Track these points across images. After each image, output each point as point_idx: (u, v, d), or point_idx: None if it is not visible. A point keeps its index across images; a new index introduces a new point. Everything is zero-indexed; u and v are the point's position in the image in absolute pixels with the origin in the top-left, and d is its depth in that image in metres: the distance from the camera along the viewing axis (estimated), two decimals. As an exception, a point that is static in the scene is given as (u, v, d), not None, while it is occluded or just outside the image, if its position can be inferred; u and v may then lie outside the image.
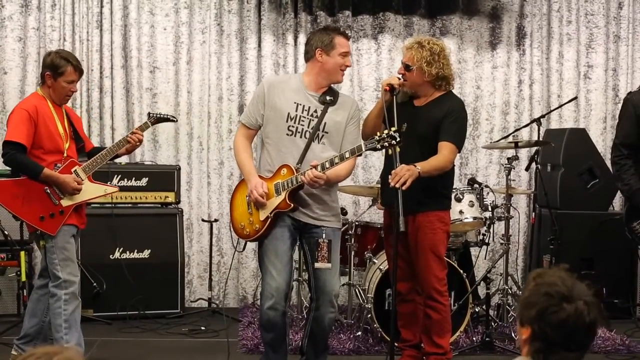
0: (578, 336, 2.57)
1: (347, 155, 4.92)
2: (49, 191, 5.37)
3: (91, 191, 5.59)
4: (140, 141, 5.72)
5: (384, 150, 4.95)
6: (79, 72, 5.57)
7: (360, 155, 5.19)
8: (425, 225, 5.43)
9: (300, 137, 5.07)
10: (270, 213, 5.04)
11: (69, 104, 5.85)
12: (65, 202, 5.42)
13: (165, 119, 6.02)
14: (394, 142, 4.80)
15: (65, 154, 5.47)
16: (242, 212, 5.20)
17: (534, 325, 2.58)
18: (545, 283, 2.60)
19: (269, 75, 7.84)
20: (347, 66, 5.21)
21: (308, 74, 5.21)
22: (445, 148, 5.30)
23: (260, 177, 5.12)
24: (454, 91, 5.63)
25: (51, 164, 5.40)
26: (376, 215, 7.82)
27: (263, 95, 5.17)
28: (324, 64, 5.13)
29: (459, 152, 5.50)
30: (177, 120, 6.54)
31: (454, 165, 5.59)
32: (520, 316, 2.66)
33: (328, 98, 5.14)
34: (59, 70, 5.46)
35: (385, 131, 4.84)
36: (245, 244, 5.39)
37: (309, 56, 5.21)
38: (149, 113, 5.99)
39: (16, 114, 5.43)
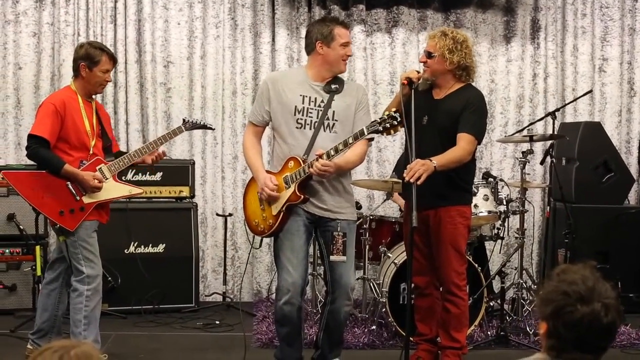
0: (592, 338, 2.55)
1: (350, 140, 4.90)
2: (71, 187, 5.38)
3: (115, 190, 5.58)
4: (162, 157, 5.76)
5: (403, 145, 4.94)
6: (114, 60, 5.63)
7: (370, 140, 5.20)
8: (447, 220, 5.43)
9: (310, 128, 5.05)
10: (282, 207, 5.04)
11: (98, 100, 5.84)
12: (86, 200, 5.42)
13: (202, 126, 6.03)
14: (395, 122, 4.80)
15: (91, 151, 5.47)
16: (255, 209, 5.20)
17: (550, 323, 2.57)
18: (566, 281, 2.58)
19: (271, 73, 7.83)
20: (349, 56, 5.20)
21: (310, 67, 5.20)
22: (462, 139, 5.28)
23: (269, 172, 5.12)
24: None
25: (77, 159, 5.40)
26: (390, 209, 7.82)
27: (267, 91, 5.16)
28: (325, 56, 5.11)
29: (479, 143, 5.46)
30: (214, 129, 6.53)
31: (475, 159, 5.58)
32: (539, 311, 2.65)
33: (333, 86, 5.12)
34: (94, 59, 5.47)
35: (386, 112, 4.84)
36: (261, 240, 5.38)
37: (309, 49, 5.21)
38: (183, 119, 5.98)
39: (44, 107, 5.45)
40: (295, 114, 5.07)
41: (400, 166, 6.12)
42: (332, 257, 5.07)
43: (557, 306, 2.55)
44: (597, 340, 2.56)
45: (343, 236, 5.07)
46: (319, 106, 5.08)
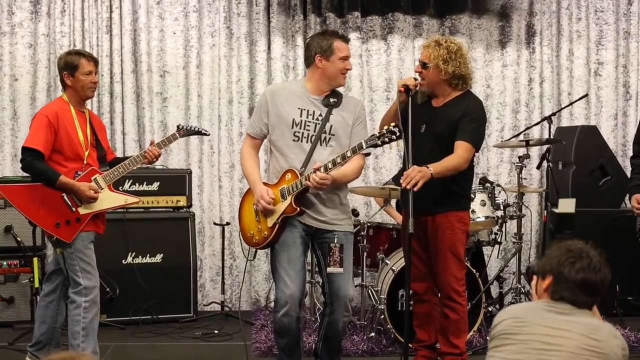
0: (590, 283, 3.15)
1: (348, 154, 4.90)
2: (66, 198, 5.37)
3: (111, 200, 5.56)
4: (157, 157, 5.69)
5: (400, 152, 4.93)
6: (94, 61, 5.58)
7: (368, 154, 5.21)
8: (445, 226, 5.43)
9: (307, 141, 5.05)
10: (278, 219, 5.03)
11: (95, 111, 5.81)
12: (82, 210, 5.41)
13: (196, 132, 6.01)
14: (394, 137, 4.80)
15: (85, 162, 5.46)
16: (250, 220, 5.20)
17: (555, 271, 3.19)
18: (566, 244, 3.23)
19: (270, 85, 7.83)
20: (348, 69, 5.19)
21: (309, 80, 5.18)
22: (460, 147, 5.29)
23: (265, 184, 5.12)
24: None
25: (71, 170, 5.39)
26: (388, 216, 7.82)
27: (266, 104, 5.15)
28: (324, 70, 5.10)
29: (477, 151, 5.47)
30: (209, 134, 6.53)
31: (473, 166, 5.59)
32: (542, 270, 3.26)
33: (332, 100, 5.11)
34: (73, 65, 5.47)
35: (385, 127, 4.83)
36: (256, 251, 5.37)
37: (309, 62, 5.19)
38: (178, 126, 5.95)
39: (37, 119, 5.44)
40: (292, 127, 5.06)
41: (399, 174, 6.12)
42: (329, 269, 5.06)
43: (561, 258, 3.18)
44: (594, 287, 3.16)
45: (340, 248, 5.06)
46: (317, 120, 5.07)
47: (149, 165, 5.98)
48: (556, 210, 7.33)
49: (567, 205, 7.20)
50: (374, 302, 6.68)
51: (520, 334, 3.15)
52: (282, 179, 5.05)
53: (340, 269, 5.05)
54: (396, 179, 6.94)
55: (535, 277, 3.37)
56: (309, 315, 7.07)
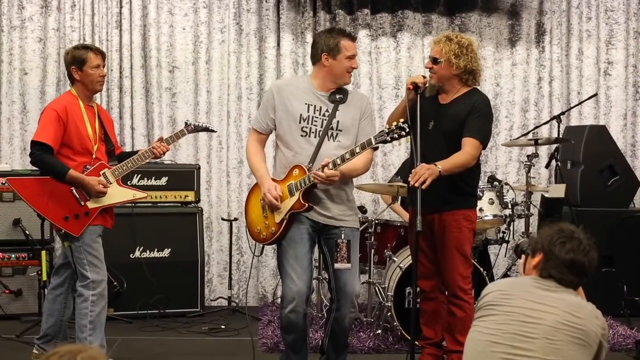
0: (578, 264, 3.29)
1: (357, 150, 4.89)
2: (75, 192, 5.37)
3: (119, 195, 5.57)
4: (165, 153, 5.71)
5: (407, 149, 4.91)
6: (101, 54, 5.59)
7: (375, 149, 5.17)
8: (452, 224, 5.42)
9: (315, 137, 5.04)
10: (286, 215, 5.02)
11: (104, 106, 5.81)
12: (91, 205, 5.41)
13: (204, 129, 6.02)
14: (403, 133, 4.79)
15: (94, 156, 5.47)
16: (258, 216, 5.19)
17: (546, 249, 3.33)
18: (559, 225, 3.39)
19: (276, 80, 7.84)
20: (354, 68, 5.19)
21: (315, 77, 5.18)
22: (467, 144, 5.28)
23: (273, 179, 5.12)
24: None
25: (80, 164, 5.40)
26: (396, 214, 7.82)
27: (272, 99, 5.15)
28: (330, 68, 5.09)
29: (484, 148, 5.46)
30: (216, 131, 6.52)
31: (479, 163, 5.57)
32: (533, 247, 3.40)
33: (338, 96, 5.11)
34: (81, 59, 5.48)
35: (394, 123, 4.84)
36: (263, 247, 5.37)
37: (315, 60, 5.19)
38: (186, 122, 5.95)
39: (46, 113, 5.44)
40: (300, 122, 5.06)
41: (406, 170, 6.11)
42: (336, 265, 5.06)
43: (552, 237, 3.32)
44: (581, 268, 3.31)
45: (347, 244, 5.05)
46: (324, 115, 5.07)
47: (157, 160, 5.99)
48: (546, 195, 7.34)
49: (557, 191, 7.21)
50: (381, 299, 6.68)
51: (505, 305, 3.30)
52: (289, 175, 5.05)
53: (348, 264, 5.04)
54: (402, 175, 6.94)
55: (524, 255, 3.53)
56: (315, 311, 7.08)
